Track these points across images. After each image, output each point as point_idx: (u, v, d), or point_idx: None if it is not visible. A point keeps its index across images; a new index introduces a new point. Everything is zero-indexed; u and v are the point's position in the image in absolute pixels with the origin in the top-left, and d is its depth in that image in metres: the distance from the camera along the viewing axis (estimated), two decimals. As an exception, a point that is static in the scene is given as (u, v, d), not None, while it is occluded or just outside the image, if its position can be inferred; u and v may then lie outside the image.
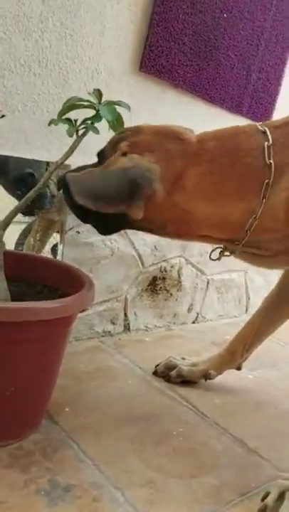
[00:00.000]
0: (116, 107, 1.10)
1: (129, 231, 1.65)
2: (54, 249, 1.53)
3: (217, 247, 1.16)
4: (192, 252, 1.92)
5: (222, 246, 1.15)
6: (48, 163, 1.40)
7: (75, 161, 1.40)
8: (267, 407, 1.41)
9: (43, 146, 1.43)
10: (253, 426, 1.29)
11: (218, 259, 1.16)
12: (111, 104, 1.09)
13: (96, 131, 1.09)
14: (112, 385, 1.37)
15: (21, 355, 0.97)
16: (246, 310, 2.24)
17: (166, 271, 1.86)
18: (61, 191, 1.20)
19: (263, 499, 0.94)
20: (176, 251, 1.87)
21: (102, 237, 1.58)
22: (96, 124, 1.10)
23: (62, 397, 1.24)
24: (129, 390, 1.37)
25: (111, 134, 1.12)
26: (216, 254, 1.16)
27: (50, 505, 0.88)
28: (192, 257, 1.94)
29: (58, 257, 1.50)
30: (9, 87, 1.32)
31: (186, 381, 1.44)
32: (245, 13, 1.73)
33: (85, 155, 1.41)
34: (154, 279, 1.83)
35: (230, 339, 1.47)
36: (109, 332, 1.72)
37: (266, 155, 1.00)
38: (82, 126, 1.10)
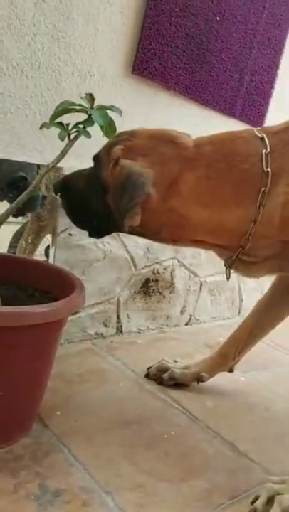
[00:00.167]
0: (108, 111, 1.10)
1: (121, 234, 1.65)
2: (47, 251, 1.53)
3: (227, 270, 1.17)
4: (185, 254, 1.92)
5: (224, 263, 1.16)
6: (38, 165, 1.40)
7: (67, 164, 1.40)
8: (258, 410, 1.42)
9: (36, 148, 1.43)
10: (244, 429, 1.29)
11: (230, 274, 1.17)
12: (103, 108, 1.09)
13: (88, 135, 1.09)
14: (104, 388, 1.37)
15: (11, 359, 0.97)
16: (239, 312, 2.24)
17: (159, 273, 1.86)
18: (58, 195, 1.21)
19: (252, 503, 0.94)
20: (169, 253, 1.87)
21: (95, 239, 1.58)
22: (89, 128, 1.10)
23: (53, 400, 1.24)
24: (121, 392, 1.37)
25: (104, 137, 1.12)
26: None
27: (39, 509, 0.88)
28: (185, 259, 1.94)
29: (50, 260, 1.50)
30: (1, 89, 1.32)
31: (178, 384, 1.44)
32: (238, 16, 1.73)
33: (78, 157, 1.41)
34: (147, 281, 1.83)
35: (223, 341, 1.47)
36: (102, 334, 1.71)
37: (264, 163, 1.00)
38: (74, 130, 1.10)
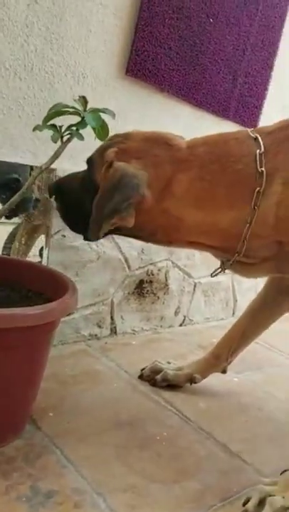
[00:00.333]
0: (101, 113, 1.10)
1: (115, 235, 1.65)
2: (41, 252, 1.53)
3: (217, 268, 1.17)
4: (179, 255, 1.93)
5: (220, 264, 1.16)
6: (32, 167, 1.40)
7: (61, 166, 1.41)
8: (252, 410, 1.42)
9: (29, 150, 1.43)
10: (237, 429, 1.30)
11: (216, 274, 1.18)
12: (96, 111, 1.09)
13: (81, 137, 1.10)
14: (97, 389, 1.37)
15: (4, 361, 0.97)
16: (233, 313, 2.25)
17: (153, 274, 1.86)
18: (52, 198, 1.21)
19: (244, 504, 0.94)
20: (163, 254, 1.87)
21: (88, 240, 1.59)
22: (82, 130, 1.10)
23: (46, 401, 1.24)
24: (115, 394, 1.37)
25: (97, 139, 1.12)
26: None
27: (31, 511, 0.88)
28: (179, 260, 1.94)
29: (44, 261, 1.50)
30: (-6, 91, 1.32)
31: (171, 385, 1.44)
32: (232, 18, 1.74)
33: (71, 159, 1.42)
34: (141, 282, 1.83)
35: (217, 342, 1.48)
36: (96, 335, 1.72)
37: (258, 163, 1.00)
38: (67, 132, 1.11)
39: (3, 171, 1.38)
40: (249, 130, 1.07)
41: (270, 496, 0.92)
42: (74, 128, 1.09)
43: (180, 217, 1.03)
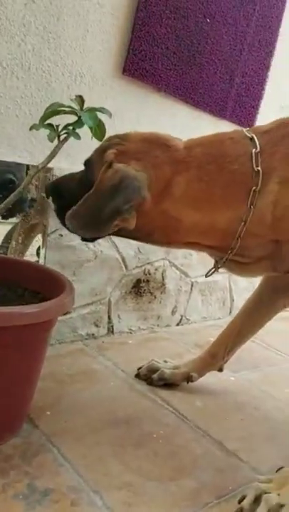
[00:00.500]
0: (98, 113, 1.10)
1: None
2: (38, 252, 1.53)
3: (211, 268, 1.18)
4: (176, 254, 1.93)
5: (213, 263, 1.17)
6: (28, 166, 1.40)
7: (58, 165, 1.41)
8: (248, 409, 1.42)
9: (26, 149, 1.43)
10: (234, 428, 1.30)
11: (211, 273, 1.19)
12: (93, 110, 1.10)
13: (77, 136, 1.10)
14: (95, 388, 1.37)
15: (1, 360, 0.97)
16: (230, 312, 2.26)
17: (150, 273, 1.86)
18: (49, 199, 1.21)
19: (239, 502, 0.95)
20: (160, 254, 1.88)
21: (85, 240, 1.59)
22: (79, 130, 1.10)
23: (43, 400, 1.24)
24: (111, 392, 1.37)
25: (94, 138, 1.12)
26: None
27: (27, 509, 0.88)
28: (176, 260, 1.95)
29: (41, 260, 1.51)
30: (-9, 90, 1.33)
31: (168, 384, 1.44)
32: (228, 18, 1.74)
33: (68, 158, 1.42)
34: (138, 281, 1.83)
35: (213, 341, 1.48)
36: (93, 335, 1.72)
37: (254, 162, 1.00)
38: (64, 131, 1.11)
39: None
40: (245, 130, 1.08)
41: (265, 493, 0.92)
42: (70, 127, 1.10)
43: (178, 217, 1.04)
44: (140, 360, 1.54)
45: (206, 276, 1.20)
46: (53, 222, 1.47)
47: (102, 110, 1.11)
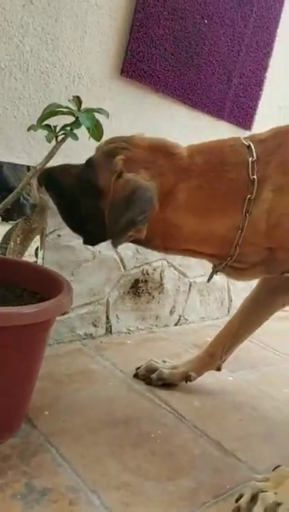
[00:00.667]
0: (95, 113, 1.11)
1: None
2: (36, 252, 1.53)
3: (211, 273, 1.19)
4: (174, 254, 1.94)
5: (212, 267, 1.18)
6: (28, 167, 1.41)
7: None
8: (246, 409, 1.43)
9: (24, 149, 1.43)
10: (232, 428, 1.31)
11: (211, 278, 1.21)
12: (90, 111, 1.10)
13: (75, 137, 1.10)
14: (93, 388, 1.38)
15: (-1, 360, 0.98)
16: (228, 312, 2.26)
17: (148, 274, 1.87)
18: (43, 187, 1.20)
19: (236, 501, 0.95)
20: (159, 254, 1.88)
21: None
22: (76, 130, 1.10)
23: (42, 400, 1.24)
24: (110, 392, 1.37)
25: (92, 139, 1.12)
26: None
27: (25, 508, 0.88)
28: (174, 260, 1.95)
29: (39, 261, 1.51)
30: (-11, 91, 1.33)
31: (166, 384, 1.45)
32: (226, 19, 1.75)
33: (66, 158, 1.42)
34: (136, 281, 1.84)
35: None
36: (91, 335, 1.72)
37: (250, 171, 1.02)
38: (62, 132, 1.11)
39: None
40: (242, 137, 1.08)
41: (262, 492, 0.93)
42: (68, 128, 1.10)
43: (178, 224, 1.05)
44: (139, 360, 1.54)
45: (208, 281, 1.23)
46: (52, 222, 1.48)
47: (99, 111, 1.11)
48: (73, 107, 1.10)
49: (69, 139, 1.12)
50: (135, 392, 1.40)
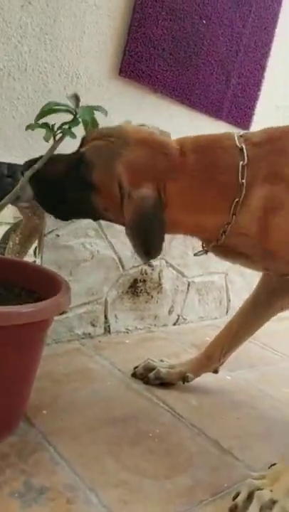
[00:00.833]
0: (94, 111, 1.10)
1: (109, 234, 1.67)
2: (35, 252, 1.54)
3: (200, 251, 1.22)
4: (173, 254, 1.94)
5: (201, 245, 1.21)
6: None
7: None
8: (244, 408, 1.43)
9: (23, 149, 1.44)
10: (229, 426, 1.31)
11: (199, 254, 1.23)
12: (90, 108, 1.09)
13: (73, 135, 1.10)
14: (91, 387, 1.38)
15: (-3, 359, 0.98)
16: (227, 312, 2.26)
17: (146, 273, 1.87)
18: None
19: (233, 499, 0.96)
20: (157, 254, 1.88)
21: (82, 239, 1.60)
22: (75, 129, 1.10)
23: (40, 399, 1.25)
24: (108, 392, 1.38)
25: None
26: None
27: (23, 507, 0.89)
28: (173, 260, 1.96)
29: (38, 260, 1.51)
30: (-12, 91, 1.33)
31: (164, 383, 1.45)
32: (225, 19, 1.75)
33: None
34: (135, 281, 1.84)
35: (210, 341, 1.49)
36: (90, 334, 1.73)
37: (240, 174, 1.03)
38: (60, 131, 1.11)
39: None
40: (237, 138, 1.08)
41: (258, 489, 0.93)
42: (66, 126, 1.09)
43: (168, 220, 1.06)
44: (137, 359, 1.54)
45: (194, 255, 1.25)
46: (50, 222, 1.48)
47: (98, 108, 1.10)
48: (72, 104, 1.09)
49: (68, 139, 1.12)
50: (133, 391, 1.41)
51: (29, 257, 1.53)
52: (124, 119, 1.61)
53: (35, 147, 1.43)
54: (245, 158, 1.04)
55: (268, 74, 2.02)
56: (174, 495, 0.99)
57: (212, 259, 1.25)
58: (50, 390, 1.32)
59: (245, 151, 1.05)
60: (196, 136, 1.11)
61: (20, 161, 1.42)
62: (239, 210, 1.04)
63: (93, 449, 1.10)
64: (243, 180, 1.03)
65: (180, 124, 1.78)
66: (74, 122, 1.09)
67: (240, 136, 1.09)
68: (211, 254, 1.22)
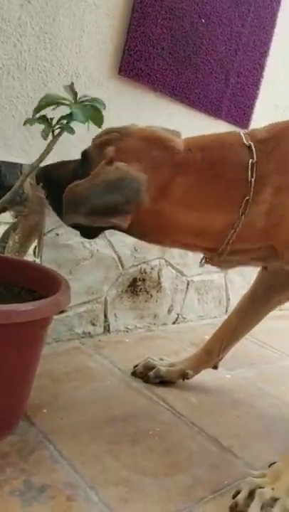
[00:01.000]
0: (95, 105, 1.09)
1: (108, 234, 1.67)
2: (34, 250, 1.54)
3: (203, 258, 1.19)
4: (172, 253, 1.94)
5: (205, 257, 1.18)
6: (21, 165, 1.41)
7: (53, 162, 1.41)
8: (244, 406, 1.44)
9: (22, 148, 1.44)
10: (229, 425, 1.31)
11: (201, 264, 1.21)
12: (85, 103, 1.08)
13: (71, 131, 1.09)
14: (91, 386, 1.38)
15: (-3, 358, 0.98)
16: (226, 311, 2.27)
17: (146, 272, 1.87)
18: (40, 185, 1.20)
19: (234, 497, 0.96)
20: (156, 253, 1.89)
21: (82, 239, 1.59)
22: (74, 123, 1.08)
23: (40, 398, 1.25)
24: (108, 390, 1.38)
25: (90, 133, 1.11)
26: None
27: (24, 505, 0.89)
28: (172, 259, 1.96)
29: (37, 259, 1.51)
30: (-13, 90, 1.33)
31: (164, 381, 1.45)
32: (224, 18, 1.76)
33: (64, 155, 1.42)
34: (134, 280, 1.84)
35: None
36: (89, 333, 1.73)
37: (249, 172, 1.02)
38: (58, 126, 1.10)
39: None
40: (244, 135, 1.07)
41: (259, 487, 0.93)
42: (64, 121, 1.08)
43: (174, 219, 1.05)
44: (137, 358, 1.54)
45: (200, 265, 1.23)
46: (50, 221, 1.48)
47: (96, 100, 1.09)
48: (69, 96, 1.08)
49: (66, 135, 1.11)
50: (133, 389, 1.41)
51: (28, 256, 1.53)
52: (124, 118, 1.61)
53: (34, 146, 1.43)
54: (254, 156, 1.03)
55: (267, 73, 2.02)
56: (174, 493, 1.00)
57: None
58: (50, 388, 1.32)
59: (253, 149, 1.03)
60: (202, 135, 1.11)
61: (20, 159, 1.43)
62: (249, 209, 1.02)
63: (93, 447, 1.10)
64: (253, 179, 1.01)
65: (179, 123, 1.78)
66: (70, 116, 1.08)
67: (246, 133, 1.08)
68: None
